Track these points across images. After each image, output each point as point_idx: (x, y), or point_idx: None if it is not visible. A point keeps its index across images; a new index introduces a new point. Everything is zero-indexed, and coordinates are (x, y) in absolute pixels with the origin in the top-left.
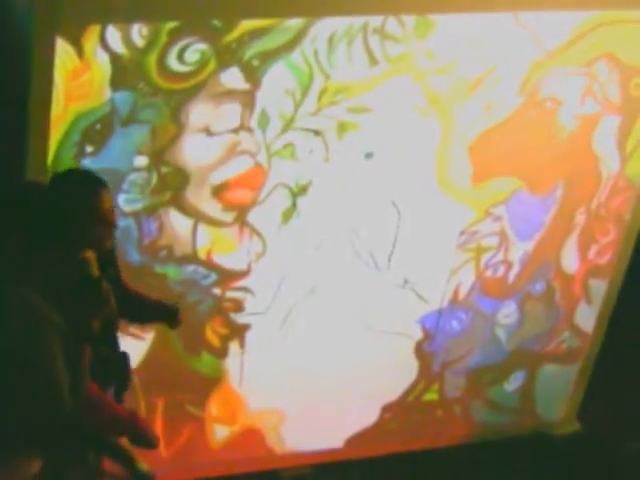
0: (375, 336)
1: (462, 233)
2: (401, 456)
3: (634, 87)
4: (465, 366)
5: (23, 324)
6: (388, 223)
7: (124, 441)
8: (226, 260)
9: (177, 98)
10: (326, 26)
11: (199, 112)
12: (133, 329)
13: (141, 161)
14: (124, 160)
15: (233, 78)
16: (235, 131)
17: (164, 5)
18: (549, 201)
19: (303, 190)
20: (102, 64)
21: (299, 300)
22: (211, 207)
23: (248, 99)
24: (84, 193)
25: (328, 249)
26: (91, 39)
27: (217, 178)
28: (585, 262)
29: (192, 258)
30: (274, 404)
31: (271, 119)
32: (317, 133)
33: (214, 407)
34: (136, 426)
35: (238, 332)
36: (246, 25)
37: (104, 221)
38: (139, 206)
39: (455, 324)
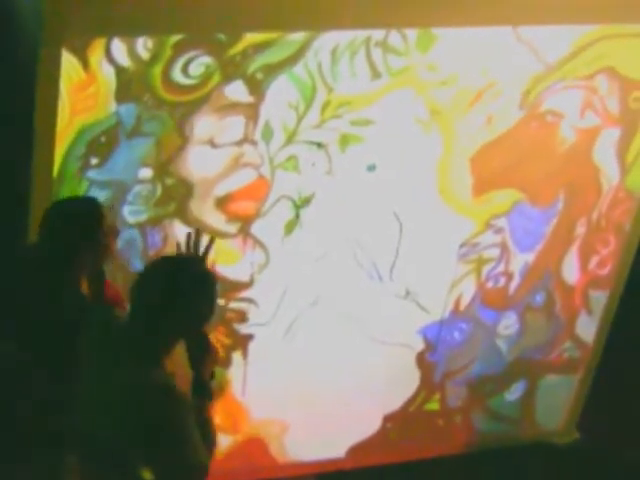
0: (377, 346)
1: (463, 244)
2: (402, 465)
3: (633, 100)
4: (466, 376)
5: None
6: (390, 235)
7: None
8: (229, 271)
9: (182, 111)
10: (329, 39)
11: (203, 125)
12: None
13: (146, 173)
14: (129, 172)
15: (237, 91)
16: (239, 144)
17: (169, 18)
18: (550, 213)
19: (306, 202)
20: (107, 77)
21: (302, 311)
22: (215, 218)
23: (252, 112)
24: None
25: (331, 260)
26: (97, 52)
27: (221, 190)
28: (586, 273)
29: None
30: (277, 414)
31: (274, 132)
32: (320, 146)
33: (217, 416)
34: None
35: (241, 342)
36: (250, 38)
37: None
38: (144, 217)
39: (456, 335)
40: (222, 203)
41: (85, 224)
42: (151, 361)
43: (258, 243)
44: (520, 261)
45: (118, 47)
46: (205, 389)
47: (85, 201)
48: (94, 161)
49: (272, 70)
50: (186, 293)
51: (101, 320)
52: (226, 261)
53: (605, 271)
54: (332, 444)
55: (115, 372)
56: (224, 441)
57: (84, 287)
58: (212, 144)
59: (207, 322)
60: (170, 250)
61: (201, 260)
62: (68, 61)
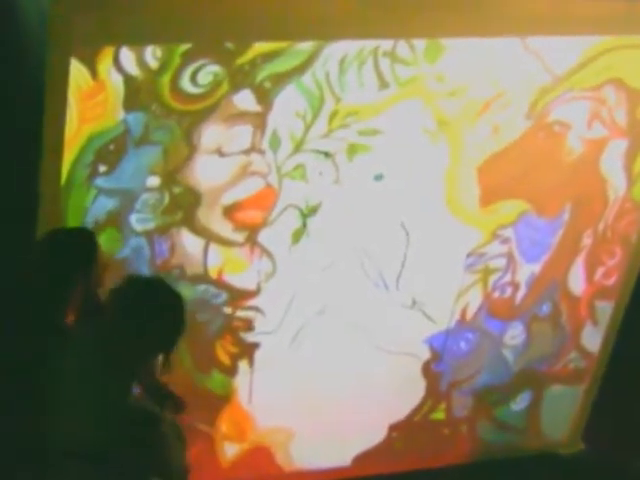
0: (383, 355)
1: (470, 254)
2: (407, 474)
3: None
4: (472, 386)
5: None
6: (397, 244)
7: None
8: (237, 280)
9: (189, 119)
10: (337, 49)
11: (211, 133)
12: None
13: (153, 181)
14: (137, 180)
15: (245, 100)
16: (246, 152)
17: (178, 27)
18: (556, 224)
19: (313, 211)
20: (116, 85)
21: (308, 319)
22: (222, 227)
23: (260, 121)
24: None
25: (337, 269)
26: (105, 60)
27: (228, 199)
28: (591, 284)
29: (203, 278)
30: (283, 422)
31: (282, 141)
32: (327, 155)
33: (224, 425)
34: None
35: (248, 351)
36: (259, 48)
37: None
38: (151, 226)
39: (462, 344)
40: (229, 212)
41: (80, 258)
42: (123, 384)
43: (265, 252)
44: (526, 271)
45: (127, 56)
46: (160, 391)
47: (81, 233)
48: (102, 169)
49: (280, 79)
50: (156, 316)
51: (74, 342)
52: (233, 270)
53: (611, 282)
54: (337, 453)
55: (90, 393)
56: (230, 449)
57: (72, 315)
58: (220, 153)
59: (177, 342)
60: (177, 259)
61: (167, 283)
62: (77, 69)
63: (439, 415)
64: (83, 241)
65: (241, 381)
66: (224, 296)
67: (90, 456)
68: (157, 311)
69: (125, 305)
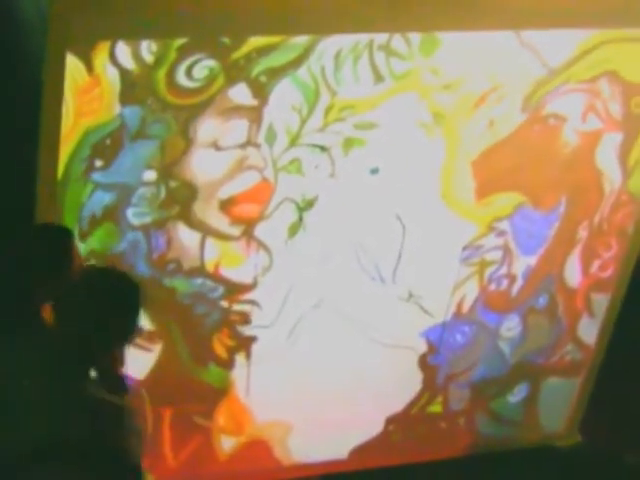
0: (380, 349)
1: (466, 247)
2: (405, 467)
3: (635, 105)
4: (469, 379)
5: None
6: (393, 237)
7: None
8: (233, 273)
9: (186, 114)
10: (333, 43)
11: (207, 127)
12: (141, 341)
13: (150, 175)
14: (133, 174)
15: (241, 94)
16: (243, 146)
17: (173, 22)
18: (552, 216)
19: (309, 205)
20: (112, 80)
21: (305, 313)
22: (219, 221)
23: (256, 115)
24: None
25: (334, 263)
26: (101, 55)
27: (225, 192)
28: (588, 276)
29: (200, 271)
30: (280, 415)
31: (278, 135)
32: (323, 149)
33: (221, 418)
34: None
35: (245, 344)
36: (254, 42)
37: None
38: (148, 220)
39: (459, 337)
40: (226, 206)
41: (53, 258)
42: (84, 377)
43: (262, 245)
44: (523, 264)
45: (122, 50)
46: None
47: (57, 233)
48: (99, 163)
49: (276, 73)
50: (112, 308)
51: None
52: (230, 263)
53: (607, 274)
54: (335, 446)
55: (53, 390)
56: (228, 443)
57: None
58: (216, 147)
59: (134, 335)
60: (173, 253)
61: (124, 273)
62: (73, 64)
63: (436, 408)
64: (57, 241)
65: (238, 374)
66: (221, 290)
67: (64, 455)
68: (108, 301)
69: (76, 298)
